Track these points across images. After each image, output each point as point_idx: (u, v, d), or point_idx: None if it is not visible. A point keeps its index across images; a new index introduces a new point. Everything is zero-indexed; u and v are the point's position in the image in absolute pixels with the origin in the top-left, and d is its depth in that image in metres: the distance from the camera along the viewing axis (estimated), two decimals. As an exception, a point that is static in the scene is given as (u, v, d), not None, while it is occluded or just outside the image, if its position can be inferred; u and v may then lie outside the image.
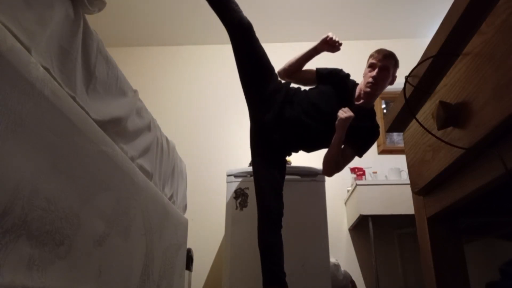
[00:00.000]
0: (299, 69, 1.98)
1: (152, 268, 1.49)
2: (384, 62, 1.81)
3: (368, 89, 1.83)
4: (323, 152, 1.93)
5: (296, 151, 2.02)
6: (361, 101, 1.87)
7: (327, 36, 1.86)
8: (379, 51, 1.84)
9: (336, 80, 1.93)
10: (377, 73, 1.80)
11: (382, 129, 3.30)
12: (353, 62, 3.64)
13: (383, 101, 3.46)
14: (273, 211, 1.77)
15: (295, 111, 1.86)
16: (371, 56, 1.87)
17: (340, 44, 1.87)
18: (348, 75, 1.97)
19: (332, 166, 1.90)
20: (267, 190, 1.81)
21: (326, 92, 1.91)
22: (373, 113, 1.94)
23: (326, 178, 2.50)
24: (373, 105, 1.95)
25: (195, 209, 3.00)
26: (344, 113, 1.78)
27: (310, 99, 1.89)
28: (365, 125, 1.88)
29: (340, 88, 1.91)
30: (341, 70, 1.98)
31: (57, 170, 0.84)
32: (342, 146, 1.89)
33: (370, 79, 1.82)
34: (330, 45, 1.87)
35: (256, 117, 1.92)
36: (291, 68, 1.97)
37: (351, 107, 1.85)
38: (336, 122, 1.79)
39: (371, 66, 1.84)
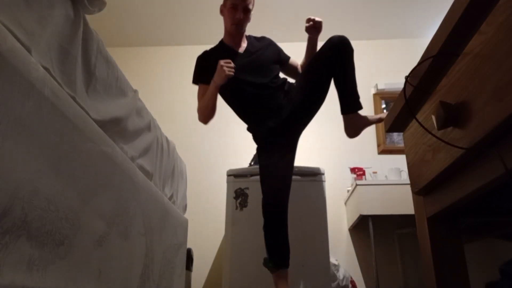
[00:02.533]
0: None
1: (152, 268, 1.49)
2: (246, 2, 1.91)
3: (235, 32, 2.00)
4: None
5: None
6: (243, 44, 2.05)
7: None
8: None
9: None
10: (243, 16, 1.94)
11: (382, 129, 3.31)
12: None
13: (383, 101, 3.46)
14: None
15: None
16: None
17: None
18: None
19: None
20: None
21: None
22: (252, 38, 2.12)
23: (326, 178, 2.50)
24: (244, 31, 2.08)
25: (195, 209, 3.00)
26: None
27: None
28: (263, 45, 2.07)
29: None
30: None
31: (57, 170, 0.84)
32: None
33: (236, 21, 1.95)
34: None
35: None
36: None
37: (240, 56, 2.01)
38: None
39: (233, 7, 1.92)
